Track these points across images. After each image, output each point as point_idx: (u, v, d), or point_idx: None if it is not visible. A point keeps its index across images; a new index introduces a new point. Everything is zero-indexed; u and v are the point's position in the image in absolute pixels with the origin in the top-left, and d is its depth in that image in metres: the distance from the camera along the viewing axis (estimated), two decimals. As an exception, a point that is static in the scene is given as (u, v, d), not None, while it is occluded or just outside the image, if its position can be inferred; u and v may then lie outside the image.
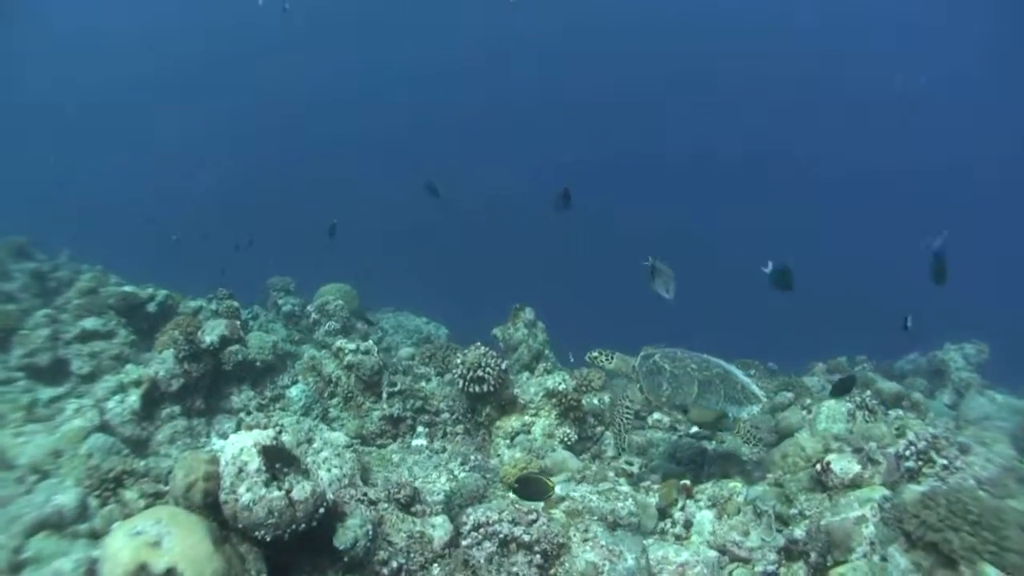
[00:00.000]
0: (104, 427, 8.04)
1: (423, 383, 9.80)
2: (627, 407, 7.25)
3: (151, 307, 10.48)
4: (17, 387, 8.83)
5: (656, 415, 9.60)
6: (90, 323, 9.83)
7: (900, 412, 8.94)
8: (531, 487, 5.99)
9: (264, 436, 5.17)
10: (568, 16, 52.51)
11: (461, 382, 8.57)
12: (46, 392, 8.80)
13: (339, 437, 7.18)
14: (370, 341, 9.82)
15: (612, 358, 7.31)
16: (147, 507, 6.12)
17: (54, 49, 50.40)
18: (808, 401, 9.78)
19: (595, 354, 7.38)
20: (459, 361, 8.68)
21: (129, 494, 6.18)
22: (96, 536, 5.77)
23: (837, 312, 32.14)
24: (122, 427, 8.31)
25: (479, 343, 8.88)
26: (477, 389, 8.48)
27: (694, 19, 52.44)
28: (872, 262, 41.76)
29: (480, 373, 8.43)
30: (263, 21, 44.59)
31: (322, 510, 5.16)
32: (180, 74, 55.33)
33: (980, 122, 47.47)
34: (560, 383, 8.76)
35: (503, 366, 8.61)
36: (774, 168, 51.36)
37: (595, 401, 9.03)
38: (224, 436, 8.67)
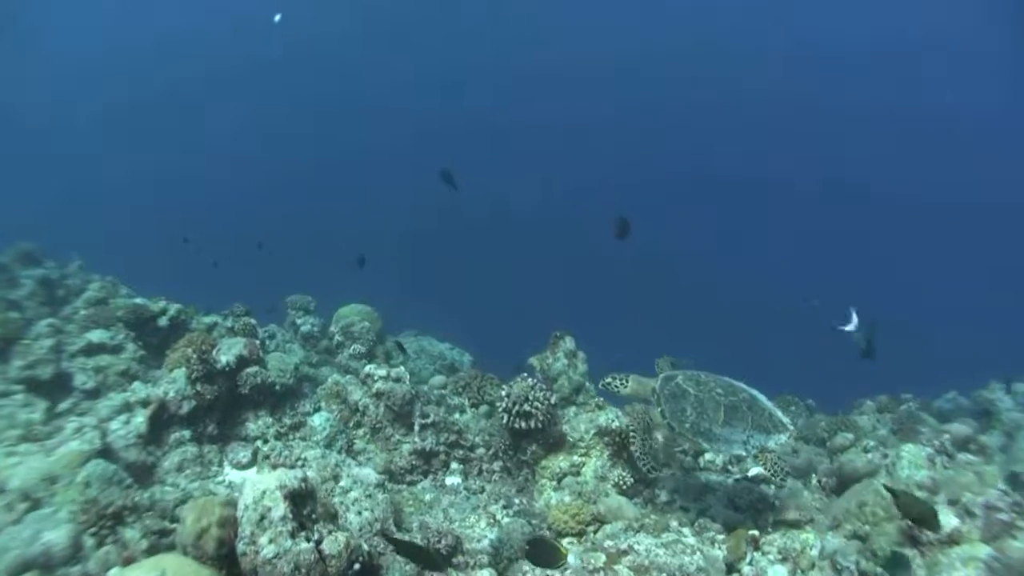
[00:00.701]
0: (106, 451, 7.22)
1: (457, 415, 8.97)
2: (647, 423, 6.80)
3: (162, 321, 9.74)
4: (15, 401, 8.03)
5: (708, 456, 8.80)
6: (97, 335, 9.05)
7: (969, 456, 8.23)
8: (542, 553, 5.18)
9: (290, 477, 4.36)
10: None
11: (506, 416, 7.73)
12: (45, 408, 7.99)
13: (369, 474, 6.35)
14: (401, 368, 8.99)
15: (627, 382, 6.80)
16: (149, 548, 5.32)
17: (56, 69, 50.52)
18: (871, 443, 8.99)
19: (608, 380, 6.88)
20: (504, 393, 7.84)
21: (130, 533, 5.37)
22: (89, 583, 4.96)
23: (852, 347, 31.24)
24: (126, 451, 7.49)
25: (525, 374, 8.06)
26: (523, 425, 7.63)
27: (728, 39, 52.35)
28: (897, 297, 41.05)
29: (527, 407, 7.59)
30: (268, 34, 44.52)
31: (357, 566, 4.35)
32: (182, 90, 55.45)
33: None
34: (613, 420, 7.92)
35: (552, 400, 7.79)
36: (787, 197, 50.63)
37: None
38: (239, 466, 7.89)
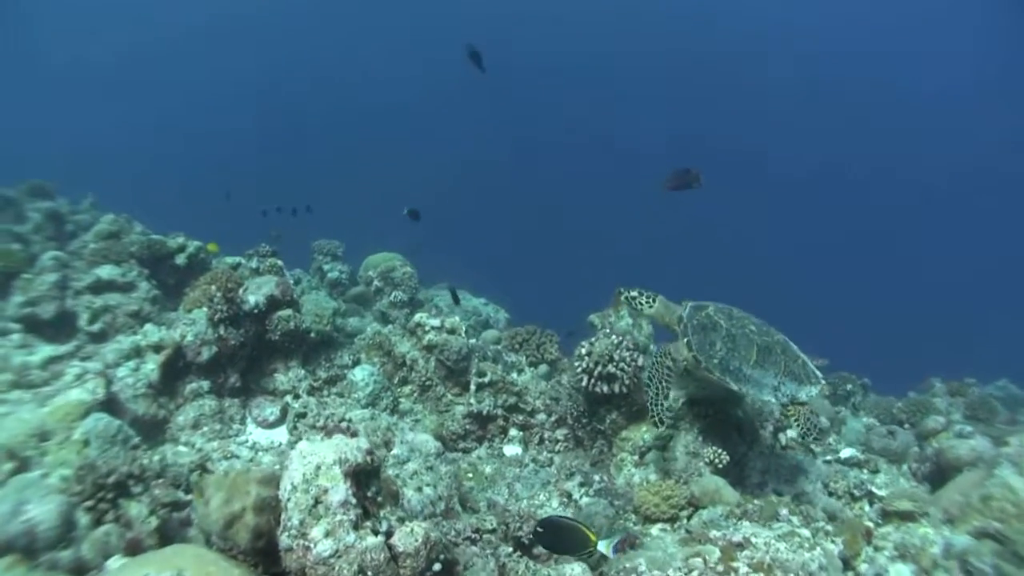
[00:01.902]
0: (110, 403, 6.17)
1: (514, 374, 7.84)
2: (668, 367, 5.89)
3: (180, 259, 8.76)
4: (11, 342, 7.11)
5: (791, 433, 7.70)
6: (106, 272, 8.07)
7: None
8: (561, 537, 3.95)
9: (352, 449, 3.24)
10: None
11: (585, 378, 6.51)
12: (44, 350, 7.04)
13: (427, 441, 5.21)
14: (456, 317, 7.86)
15: (653, 302, 6.16)
16: (160, 528, 4.20)
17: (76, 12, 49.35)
18: (967, 428, 8.18)
19: (634, 293, 6.19)
20: (583, 351, 6.61)
21: (135, 508, 4.24)
22: (82, 573, 3.85)
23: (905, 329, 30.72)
24: (133, 403, 6.46)
25: (607, 329, 6.89)
26: (605, 389, 6.42)
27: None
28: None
29: (612, 369, 6.36)
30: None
31: (437, 565, 3.23)
32: (212, 32, 54.57)
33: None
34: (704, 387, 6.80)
35: (640, 361, 6.59)
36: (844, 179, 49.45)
37: (739, 413, 6.99)
38: (265, 424, 6.81)
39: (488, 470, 6.50)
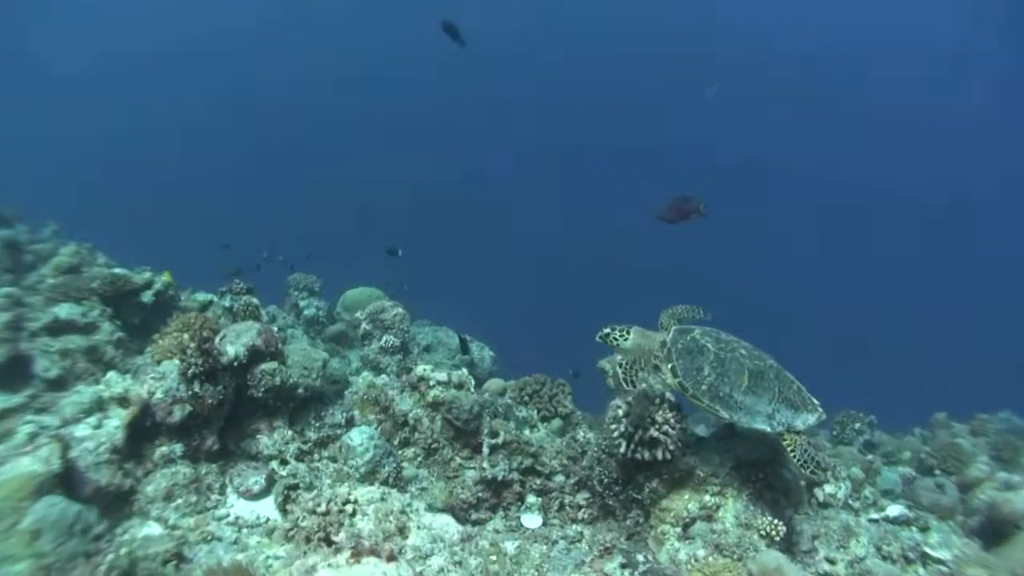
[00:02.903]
0: (68, 472, 5.24)
1: (527, 431, 7.07)
2: (647, 362, 5.69)
3: (146, 297, 8.06)
4: None
5: (829, 488, 7.03)
6: (65, 310, 7.30)
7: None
8: None
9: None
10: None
11: (624, 443, 5.72)
12: None
13: (448, 524, 4.41)
14: (463, 370, 7.11)
15: (628, 334, 5.82)
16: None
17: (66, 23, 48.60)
18: (1015, 478, 7.59)
19: (607, 331, 5.88)
20: (620, 412, 5.84)
21: (98, 629, 3.36)
22: None
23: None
24: (95, 471, 5.52)
25: (643, 386, 6.16)
26: (647, 455, 5.65)
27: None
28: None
29: (654, 433, 5.61)
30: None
31: None
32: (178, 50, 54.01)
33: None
34: (750, 450, 6.06)
35: (684, 424, 5.87)
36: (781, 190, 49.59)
37: (787, 475, 6.24)
38: (248, 495, 5.94)
39: (511, 549, 5.62)
